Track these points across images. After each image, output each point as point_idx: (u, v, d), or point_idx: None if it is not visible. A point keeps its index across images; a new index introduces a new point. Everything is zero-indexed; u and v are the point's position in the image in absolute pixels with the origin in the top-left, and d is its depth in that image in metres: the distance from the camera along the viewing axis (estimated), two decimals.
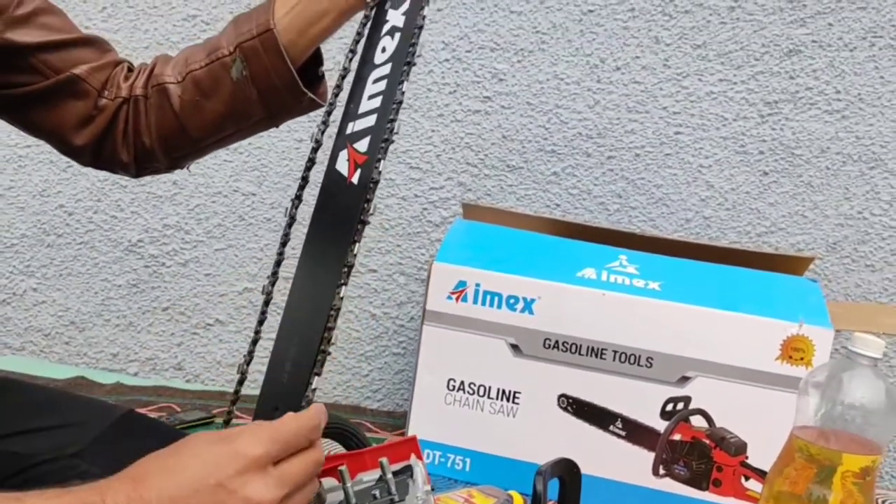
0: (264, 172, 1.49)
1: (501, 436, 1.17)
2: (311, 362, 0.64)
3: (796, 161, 1.40)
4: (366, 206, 0.66)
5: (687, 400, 1.12)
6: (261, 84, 0.82)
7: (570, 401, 1.15)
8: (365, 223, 0.66)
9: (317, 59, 0.87)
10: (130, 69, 0.88)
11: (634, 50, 1.40)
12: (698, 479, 1.13)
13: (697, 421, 1.12)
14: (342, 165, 0.69)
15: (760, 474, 1.09)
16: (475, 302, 1.16)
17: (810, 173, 1.40)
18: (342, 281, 0.65)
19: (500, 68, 1.43)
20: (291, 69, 0.82)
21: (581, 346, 1.14)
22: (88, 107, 0.85)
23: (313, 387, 0.64)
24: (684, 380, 1.12)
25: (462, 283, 1.16)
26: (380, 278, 1.50)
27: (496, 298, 1.16)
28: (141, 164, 0.89)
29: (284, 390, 0.65)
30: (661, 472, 1.14)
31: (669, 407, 1.13)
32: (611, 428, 1.14)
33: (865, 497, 0.82)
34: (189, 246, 1.52)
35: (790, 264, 1.23)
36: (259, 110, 0.85)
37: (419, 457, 0.74)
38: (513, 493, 1.06)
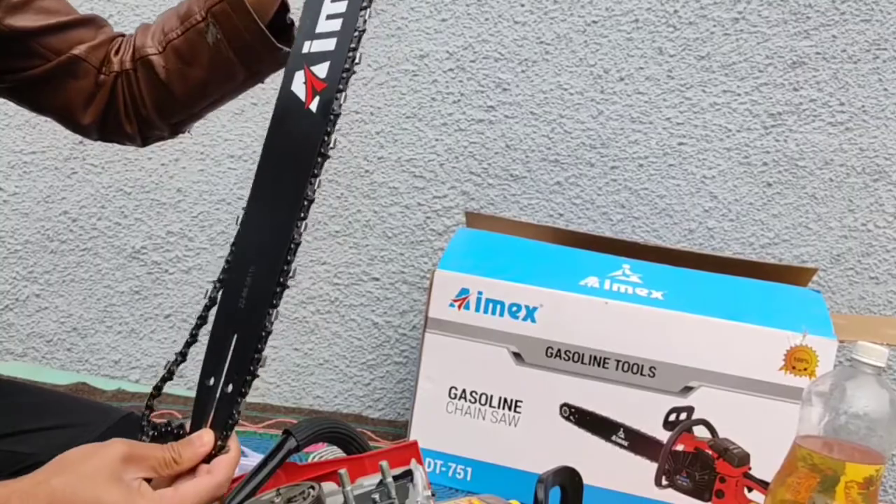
0: None
1: (503, 445, 1.16)
2: (270, 294, 0.61)
3: (800, 173, 1.39)
4: (326, 138, 0.62)
5: (690, 410, 1.12)
6: (235, 45, 0.84)
7: (573, 410, 1.14)
8: (325, 157, 0.62)
9: (284, 6, 0.87)
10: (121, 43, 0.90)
11: (638, 61, 1.40)
12: (701, 490, 1.12)
13: (700, 431, 1.12)
14: (298, 88, 0.64)
15: (763, 486, 1.08)
16: (477, 310, 1.16)
17: (814, 185, 1.39)
18: (302, 215, 0.61)
19: (504, 78, 1.43)
20: (261, 26, 0.83)
21: (583, 354, 1.13)
22: (90, 84, 0.87)
23: (273, 318, 0.62)
24: (687, 390, 1.11)
25: (464, 291, 1.16)
26: (382, 286, 1.49)
27: (498, 306, 1.15)
28: (144, 133, 0.91)
29: (242, 317, 0.62)
30: (664, 482, 1.13)
31: (672, 417, 1.12)
32: (613, 438, 1.13)
33: None
34: (192, 253, 1.52)
35: (794, 276, 1.23)
36: (240, 70, 0.86)
37: (419, 461, 0.73)
38: (514, 502, 1.05)
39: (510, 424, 1.16)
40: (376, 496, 0.66)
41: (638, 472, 1.13)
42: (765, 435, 1.08)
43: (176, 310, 1.54)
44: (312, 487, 0.67)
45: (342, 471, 0.67)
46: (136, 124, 0.90)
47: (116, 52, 0.88)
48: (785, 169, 1.40)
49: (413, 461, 0.72)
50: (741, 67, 1.38)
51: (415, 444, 0.77)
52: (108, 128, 0.90)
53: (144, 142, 0.93)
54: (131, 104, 0.88)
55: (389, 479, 0.66)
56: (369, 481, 0.70)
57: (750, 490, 1.10)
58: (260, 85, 0.91)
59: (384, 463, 0.67)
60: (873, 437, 0.82)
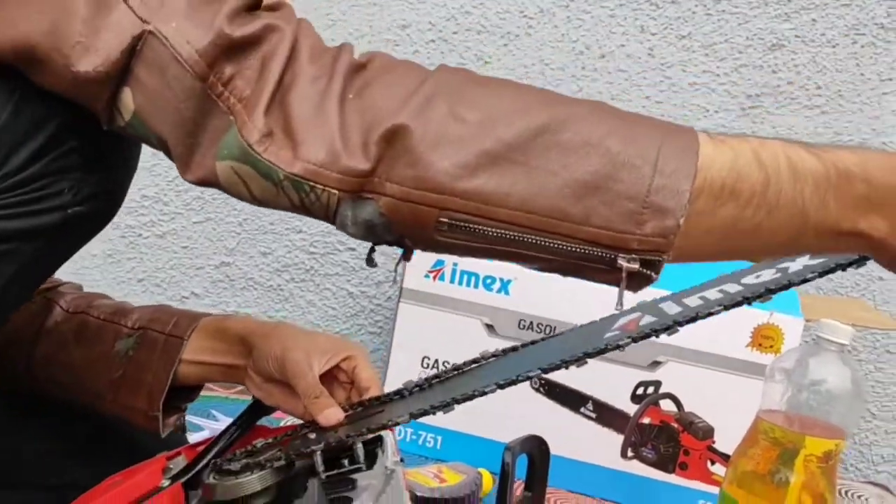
0: None
1: (473, 414, 1.17)
2: None
3: None
4: None
5: (657, 384, 1.13)
6: (134, 372, 0.76)
7: (543, 382, 1.16)
8: None
9: (192, 393, 0.80)
10: None
11: (620, 38, 1.40)
12: (665, 462, 1.14)
13: (667, 405, 1.14)
14: None
15: (726, 459, 1.10)
16: (452, 281, 1.16)
17: None
18: None
19: (486, 51, 1.43)
20: (169, 376, 0.75)
21: (555, 328, 1.14)
22: None
23: None
24: (655, 364, 1.13)
25: (440, 262, 1.17)
26: (358, 257, 1.49)
27: (473, 278, 1.16)
28: None
29: None
30: (630, 454, 1.15)
31: (640, 391, 1.14)
32: (582, 410, 1.15)
33: (827, 480, 0.84)
34: (167, 218, 1.51)
35: None
36: (98, 392, 0.77)
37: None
38: (482, 470, 1.07)
39: None
40: (345, 460, 0.67)
41: (605, 444, 1.15)
42: (729, 410, 1.10)
43: (149, 274, 1.53)
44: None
45: (312, 434, 0.67)
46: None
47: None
48: None
49: None
50: (721, 48, 1.39)
51: None
52: None
53: None
54: None
55: (359, 444, 0.67)
56: None
57: (713, 463, 1.12)
58: None
59: None
60: (833, 413, 0.84)
